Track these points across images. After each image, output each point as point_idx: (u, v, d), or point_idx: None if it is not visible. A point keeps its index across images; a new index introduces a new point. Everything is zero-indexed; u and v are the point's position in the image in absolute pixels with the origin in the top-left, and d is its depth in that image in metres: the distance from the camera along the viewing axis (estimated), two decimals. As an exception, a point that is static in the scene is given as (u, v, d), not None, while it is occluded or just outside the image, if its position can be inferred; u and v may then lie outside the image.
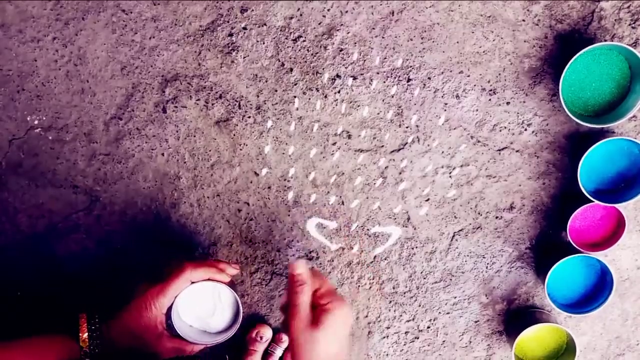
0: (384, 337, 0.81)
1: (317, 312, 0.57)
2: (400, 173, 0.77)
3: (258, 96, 0.75)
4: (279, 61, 0.74)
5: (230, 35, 0.73)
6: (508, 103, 0.74)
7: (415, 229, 0.78)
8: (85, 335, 0.61)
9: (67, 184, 0.76)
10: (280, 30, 0.73)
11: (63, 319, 0.72)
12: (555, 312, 0.79)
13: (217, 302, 0.70)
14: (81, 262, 0.78)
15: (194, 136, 0.76)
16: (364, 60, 0.74)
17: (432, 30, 0.73)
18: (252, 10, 0.73)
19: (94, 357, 0.60)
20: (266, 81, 0.74)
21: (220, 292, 0.70)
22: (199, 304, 0.70)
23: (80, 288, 0.79)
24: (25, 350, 0.59)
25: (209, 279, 0.66)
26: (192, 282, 0.65)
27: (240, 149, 0.76)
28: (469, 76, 0.74)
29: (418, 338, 0.81)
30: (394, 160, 0.76)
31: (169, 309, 0.64)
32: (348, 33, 0.73)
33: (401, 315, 0.80)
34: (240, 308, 0.70)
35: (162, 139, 0.76)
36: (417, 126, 0.75)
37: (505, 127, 0.75)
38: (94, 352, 0.61)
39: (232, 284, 0.71)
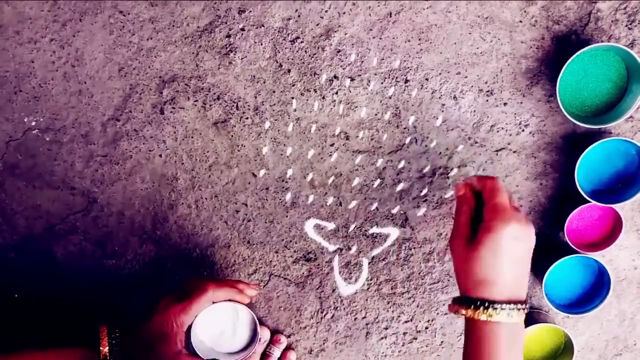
0: (382, 338, 0.81)
1: (479, 229, 0.57)
2: (398, 174, 0.77)
3: (256, 97, 0.75)
4: (277, 62, 0.74)
5: (228, 36, 0.73)
6: (505, 104, 0.74)
7: (413, 229, 0.78)
8: (106, 349, 0.61)
9: (65, 185, 0.76)
10: (278, 32, 0.73)
11: (79, 325, 0.72)
12: (553, 313, 0.79)
13: (236, 322, 0.71)
14: (79, 263, 0.78)
15: (192, 137, 0.76)
16: (362, 62, 0.74)
17: (429, 32, 0.73)
18: (250, 11, 0.73)
19: None
20: (264, 82, 0.74)
21: (239, 312, 0.71)
22: (218, 323, 0.71)
23: (79, 291, 0.78)
24: None
25: (229, 300, 0.67)
26: (213, 302, 0.66)
27: (238, 150, 0.76)
28: (466, 77, 0.74)
29: (416, 339, 0.81)
30: (391, 161, 0.76)
31: (189, 327, 0.65)
32: (346, 34, 0.73)
33: (399, 316, 0.80)
34: (258, 328, 0.71)
35: (160, 140, 0.76)
36: (414, 127, 0.75)
37: (502, 128, 0.75)
38: None
39: (249, 305, 0.72)
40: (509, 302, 0.55)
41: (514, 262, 0.56)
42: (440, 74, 0.74)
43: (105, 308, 0.79)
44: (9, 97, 0.74)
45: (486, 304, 0.55)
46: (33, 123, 0.75)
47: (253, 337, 0.72)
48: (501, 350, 0.55)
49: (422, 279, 0.79)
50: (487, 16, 0.72)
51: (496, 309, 0.55)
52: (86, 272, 0.78)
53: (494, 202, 0.57)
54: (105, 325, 0.63)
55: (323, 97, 0.75)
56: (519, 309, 0.55)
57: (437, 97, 0.74)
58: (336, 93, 0.74)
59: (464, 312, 0.57)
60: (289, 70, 0.74)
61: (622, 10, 0.71)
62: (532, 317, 0.77)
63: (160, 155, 0.76)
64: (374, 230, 0.78)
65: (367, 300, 0.80)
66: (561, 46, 0.72)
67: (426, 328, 0.81)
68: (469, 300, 0.57)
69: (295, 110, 0.75)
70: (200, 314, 0.65)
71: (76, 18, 0.73)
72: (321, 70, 0.74)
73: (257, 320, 0.71)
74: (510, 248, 0.55)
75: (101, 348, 0.61)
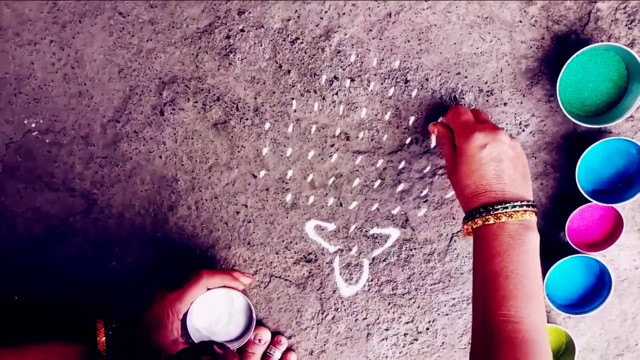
0: (383, 339, 0.81)
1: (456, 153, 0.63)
2: (398, 174, 0.77)
3: (256, 98, 0.75)
4: (277, 63, 0.74)
5: (228, 37, 0.73)
6: (505, 104, 0.74)
7: (413, 230, 0.78)
8: (103, 339, 0.61)
9: (65, 187, 0.76)
10: (278, 32, 0.73)
11: (78, 324, 0.73)
12: (554, 313, 0.79)
13: (231, 309, 0.72)
14: (79, 265, 0.78)
15: (192, 139, 0.76)
16: (362, 62, 0.74)
17: (429, 32, 0.73)
18: (250, 12, 0.73)
19: None
20: (264, 83, 0.74)
21: (234, 299, 0.72)
22: (214, 310, 0.71)
23: (79, 292, 0.78)
24: (40, 355, 0.60)
25: (224, 286, 0.68)
26: (208, 289, 0.66)
27: (238, 151, 0.76)
28: (466, 77, 0.74)
29: (417, 340, 0.81)
30: (392, 161, 0.76)
31: (184, 315, 0.65)
32: (345, 35, 0.73)
33: (400, 317, 0.80)
34: (254, 315, 0.71)
35: (160, 141, 0.76)
36: (415, 127, 0.75)
37: (502, 128, 0.75)
38: (111, 357, 0.61)
39: (244, 293, 0.72)
40: (505, 201, 0.57)
41: (493, 166, 0.59)
42: (440, 74, 0.74)
43: (105, 310, 0.78)
44: (9, 99, 0.74)
45: (481, 210, 0.58)
46: (33, 125, 0.75)
47: (249, 324, 0.72)
48: (508, 247, 0.56)
49: (423, 280, 0.79)
50: (486, 16, 0.72)
51: (496, 209, 0.57)
52: (86, 274, 0.78)
53: (457, 125, 0.64)
54: (101, 318, 0.63)
55: (323, 98, 0.75)
56: (520, 206, 0.57)
57: (437, 97, 0.74)
58: (336, 94, 0.74)
59: (470, 226, 0.60)
60: (289, 71, 0.74)
61: (621, 9, 0.71)
62: (534, 318, 0.76)
63: (160, 157, 0.76)
64: (375, 231, 0.78)
65: (367, 301, 0.80)
66: (561, 46, 0.72)
67: (427, 329, 0.81)
68: (469, 213, 0.60)
69: (295, 111, 0.75)
70: (195, 302, 0.66)
71: (76, 20, 0.73)
72: (321, 71, 0.74)
73: (252, 307, 0.71)
74: (481, 156, 0.59)
75: (98, 339, 0.61)
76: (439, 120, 0.72)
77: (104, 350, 0.61)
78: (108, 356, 0.61)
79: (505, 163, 0.60)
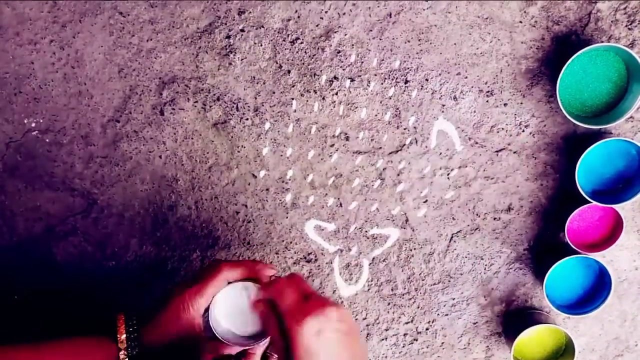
0: (383, 339, 0.81)
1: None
2: (398, 175, 0.77)
3: (256, 98, 0.75)
4: (277, 63, 0.74)
5: (228, 37, 0.73)
6: (505, 104, 0.74)
7: (413, 230, 0.78)
8: (124, 336, 0.60)
9: (65, 186, 0.76)
10: (278, 32, 0.73)
11: (97, 319, 0.72)
12: (554, 313, 0.79)
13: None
14: (79, 265, 0.78)
15: (192, 138, 0.76)
16: (362, 62, 0.74)
17: (429, 32, 0.73)
18: (250, 12, 0.73)
19: (132, 358, 0.60)
20: (264, 83, 0.74)
21: (257, 292, 0.69)
22: (235, 304, 0.69)
23: (79, 292, 0.78)
24: (61, 351, 0.59)
25: (245, 280, 0.65)
26: (229, 283, 0.65)
27: (238, 151, 0.76)
28: (466, 78, 0.74)
29: (417, 340, 0.81)
30: (392, 161, 0.76)
31: (206, 310, 0.64)
32: (345, 35, 0.73)
33: (400, 317, 0.80)
34: None
35: (160, 141, 0.76)
36: (414, 128, 0.75)
37: (502, 129, 0.75)
38: (132, 353, 0.60)
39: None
40: None
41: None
42: (440, 74, 0.74)
43: (104, 309, 0.78)
44: (9, 98, 0.74)
45: None
46: (33, 124, 0.75)
47: None
48: None
49: (423, 280, 0.79)
50: (487, 17, 0.72)
51: None
52: (86, 273, 0.78)
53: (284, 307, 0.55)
54: (122, 313, 0.62)
55: (323, 98, 0.75)
56: None
57: (437, 97, 0.74)
58: (336, 94, 0.74)
59: None
60: (289, 71, 0.74)
61: (622, 10, 0.71)
62: (533, 318, 0.76)
63: (160, 157, 0.76)
64: (375, 231, 0.78)
65: (367, 301, 0.80)
66: (561, 46, 0.72)
67: (427, 329, 0.81)
68: None
69: (295, 111, 0.75)
70: (217, 296, 0.64)
71: (76, 19, 0.73)
72: (321, 71, 0.74)
73: None
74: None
75: (118, 336, 0.60)
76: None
77: (125, 348, 0.60)
78: (129, 354, 0.60)
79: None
